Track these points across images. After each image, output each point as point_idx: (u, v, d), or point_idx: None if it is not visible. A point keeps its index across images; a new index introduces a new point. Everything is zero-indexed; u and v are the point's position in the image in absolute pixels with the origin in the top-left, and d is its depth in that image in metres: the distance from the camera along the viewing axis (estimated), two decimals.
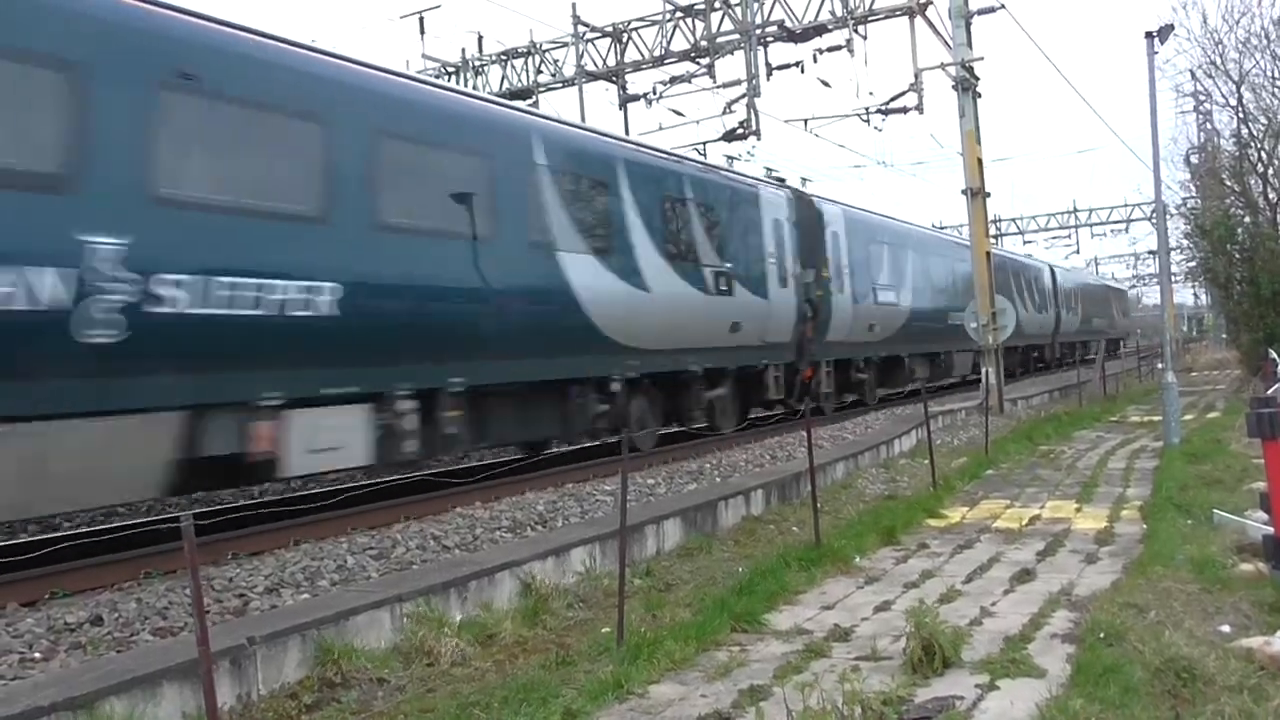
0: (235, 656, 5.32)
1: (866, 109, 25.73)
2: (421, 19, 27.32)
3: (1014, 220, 61.65)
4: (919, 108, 24.64)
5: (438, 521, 8.94)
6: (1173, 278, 31.54)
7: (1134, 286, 73.60)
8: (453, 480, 10.54)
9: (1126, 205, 58.72)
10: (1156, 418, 17.39)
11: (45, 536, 8.77)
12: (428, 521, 8.97)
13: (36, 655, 5.52)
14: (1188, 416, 18.87)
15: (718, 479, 11.47)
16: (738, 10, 25.01)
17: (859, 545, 8.78)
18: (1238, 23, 22.61)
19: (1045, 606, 6.71)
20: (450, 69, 28.30)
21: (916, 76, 23.96)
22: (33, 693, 4.72)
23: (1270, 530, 6.93)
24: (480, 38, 28.21)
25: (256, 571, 7.08)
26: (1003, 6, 22.85)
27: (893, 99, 25.12)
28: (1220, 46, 23.01)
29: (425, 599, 6.41)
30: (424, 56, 27.91)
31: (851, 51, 24.28)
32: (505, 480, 11.10)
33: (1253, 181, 23.42)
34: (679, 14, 25.39)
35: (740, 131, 25.75)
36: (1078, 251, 64.08)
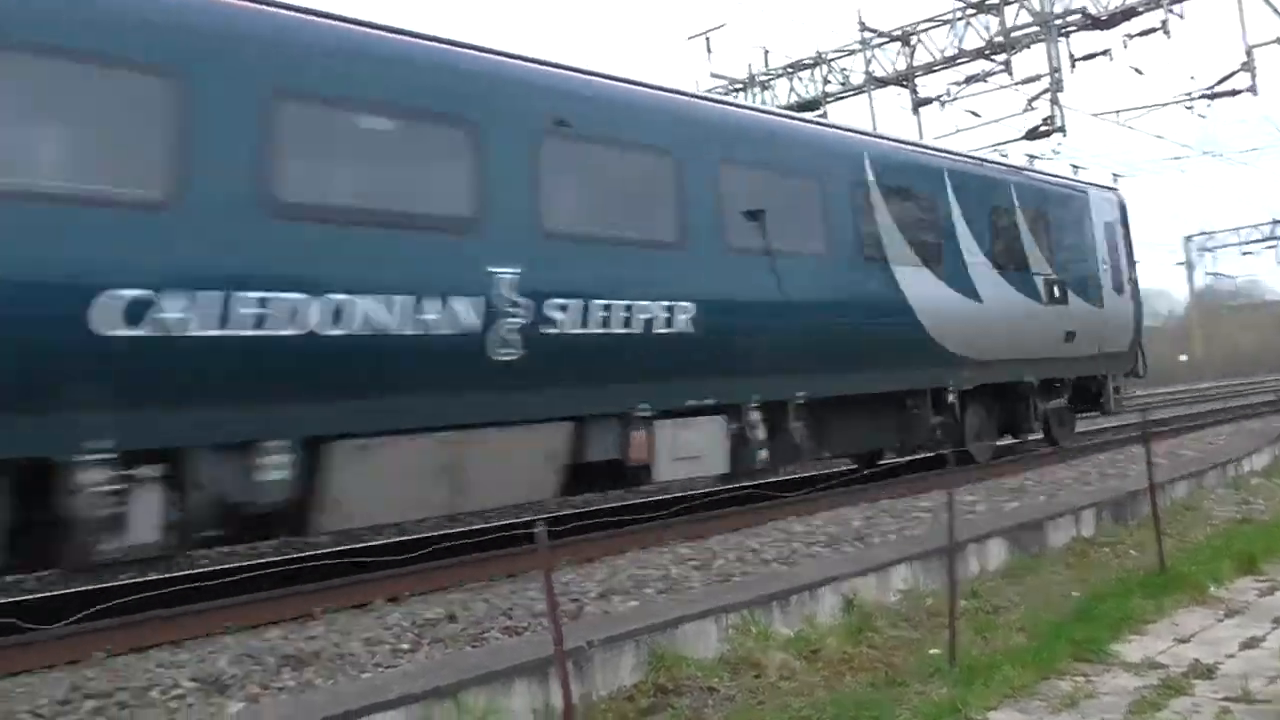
0: (576, 658, 5.57)
1: (1189, 94, 23.64)
2: (708, 38, 27.95)
3: None
4: (1252, 89, 22.50)
5: (754, 534, 9.01)
6: None
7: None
8: (769, 494, 10.65)
9: None
10: None
11: (407, 539, 9.69)
12: (745, 534, 9.06)
13: (404, 646, 6.04)
14: None
15: (1041, 497, 10.82)
16: (1035, 1, 23.71)
17: (1213, 573, 7.97)
18: None
19: None
20: (738, 85, 28.71)
21: (1248, 54, 21.83)
22: (404, 681, 5.18)
23: None
24: (766, 52, 28.45)
25: (589, 577, 7.41)
26: None
27: (1220, 81, 23.16)
28: None
29: (749, 611, 6.47)
30: (712, 75, 28.52)
31: (1168, 33, 22.46)
32: (819, 495, 11.06)
33: None
34: (971, 10, 24.40)
35: (1043, 129, 24.36)
36: None
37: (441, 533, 9.99)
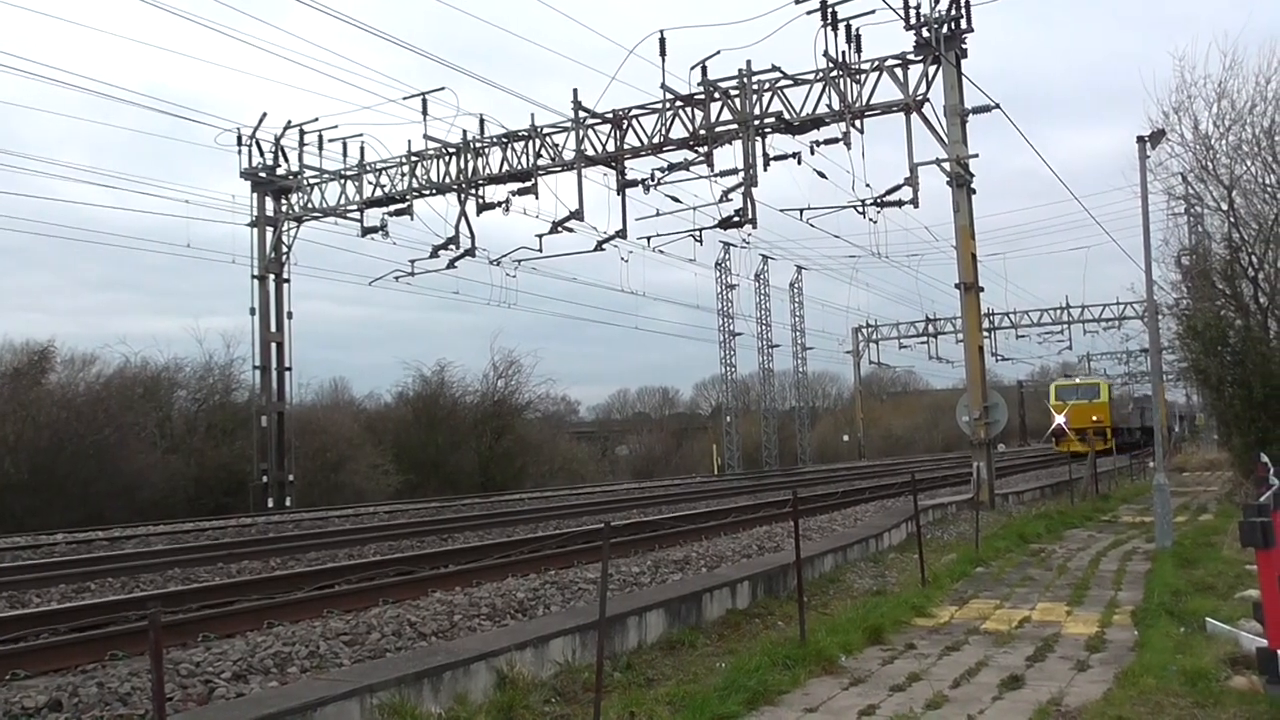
0: None
1: (862, 201, 26.01)
2: (425, 100, 27.83)
3: (1008, 314, 62.13)
4: (914, 201, 24.93)
5: (415, 607, 8.74)
6: (1165, 377, 31.51)
7: (1126, 384, 72.50)
8: (433, 564, 10.37)
9: (1119, 303, 59.25)
10: (1149, 518, 17.25)
11: (15, 613, 8.56)
12: (406, 607, 8.77)
13: None
14: (1180, 518, 18.71)
15: (704, 569, 11.29)
16: (737, 101, 25.50)
17: (845, 643, 8.58)
18: (1229, 130, 22.93)
19: (1035, 718, 6.53)
20: (451, 149, 28.71)
21: (912, 171, 24.28)
22: None
23: (1264, 642, 6.79)
24: (482, 120, 28.66)
25: (225, 657, 6.86)
26: (997, 106, 23.33)
27: (888, 192, 25.40)
28: (1211, 152, 23.32)
29: (397, 689, 6.22)
30: (426, 137, 28.36)
31: (848, 144, 24.72)
32: (487, 565, 10.94)
33: (1244, 285, 23.50)
34: (679, 103, 25.86)
35: (736, 219, 26.03)
36: (1070, 347, 64.35)
37: (47, 608, 8.94)
